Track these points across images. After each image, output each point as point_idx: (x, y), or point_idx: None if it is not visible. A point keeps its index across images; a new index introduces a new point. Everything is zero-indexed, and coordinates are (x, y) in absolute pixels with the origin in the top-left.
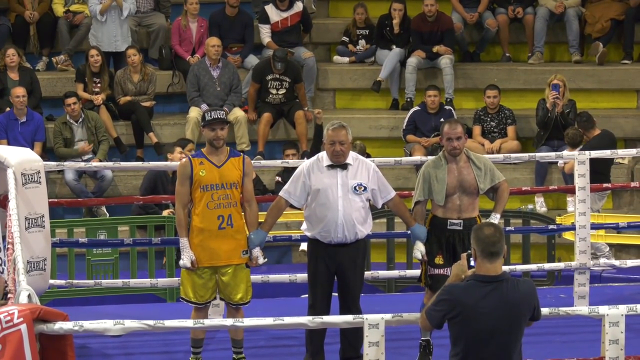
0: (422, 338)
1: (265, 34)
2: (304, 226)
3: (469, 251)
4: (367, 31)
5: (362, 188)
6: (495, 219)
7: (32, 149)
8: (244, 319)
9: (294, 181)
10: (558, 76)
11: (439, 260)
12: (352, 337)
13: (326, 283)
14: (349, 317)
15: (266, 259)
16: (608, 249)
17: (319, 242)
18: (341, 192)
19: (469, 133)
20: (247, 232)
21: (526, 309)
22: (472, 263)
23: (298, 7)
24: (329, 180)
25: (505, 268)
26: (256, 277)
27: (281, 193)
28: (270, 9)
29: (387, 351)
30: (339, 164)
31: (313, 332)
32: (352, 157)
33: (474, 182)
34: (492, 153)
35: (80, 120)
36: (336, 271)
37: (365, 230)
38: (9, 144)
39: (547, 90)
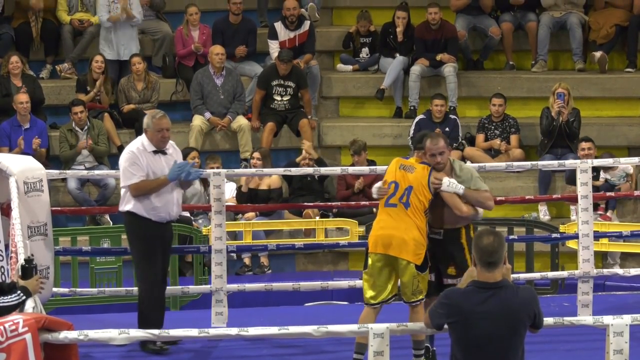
0: (425, 344)
1: (274, 49)
2: (130, 206)
3: None
4: (370, 39)
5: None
6: (456, 187)
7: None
8: (249, 328)
9: (135, 164)
10: (562, 84)
11: (451, 271)
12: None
13: (161, 257)
14: (353, 327)
15: None
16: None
17: (150, 221)
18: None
19: (472, 141)
20: None
21: (525, 315)
22: None
23: (305, 26)
24: (159, 165)
25: None
26: (259, 286)
27: (135, 180)
28: (279, 27)
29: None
30: (162, 149)
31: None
32: (169, 143)
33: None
34: (498, 149)
35: (86, 128)
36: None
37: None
38: (11, 150)
39: (552, 99)
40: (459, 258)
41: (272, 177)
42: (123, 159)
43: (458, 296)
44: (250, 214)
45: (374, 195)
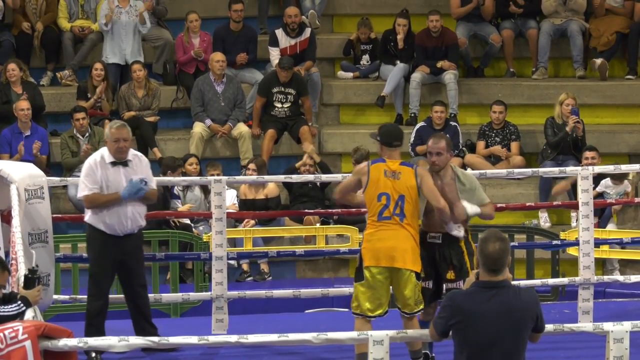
0: (423, 351)
1: (274, 56)
2: (87, 217)
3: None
4: (371, 46)
5: (144, 182)
6: (475, 209)
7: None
8: (248, 335)
9: (90, 176)
10: (569, 94)
11: (450, 275)
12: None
13: (112, 273)
14: (353, 334)
15: None
16: None
17: (105, 234)
18: None
19: (473, 148)
20: None
21: (528, 316)
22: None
23: (306, 33)
24: (115, 177)
25: None
26: (260, 293)
27: (87, 192)
28: (280, 34)
29: None
30: (121, 160)
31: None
32: (131, 153)
33: (455, 199)
34: (499, 156)
35: (87, 134)
36: (120, 260)
37: (144, 221)
38: (11, 157)
39: (558, 109)
40: (458, 261)
41: (269, 187)
42: (82, 170)
43: (460, 297)
44: (250, 223)
45: None
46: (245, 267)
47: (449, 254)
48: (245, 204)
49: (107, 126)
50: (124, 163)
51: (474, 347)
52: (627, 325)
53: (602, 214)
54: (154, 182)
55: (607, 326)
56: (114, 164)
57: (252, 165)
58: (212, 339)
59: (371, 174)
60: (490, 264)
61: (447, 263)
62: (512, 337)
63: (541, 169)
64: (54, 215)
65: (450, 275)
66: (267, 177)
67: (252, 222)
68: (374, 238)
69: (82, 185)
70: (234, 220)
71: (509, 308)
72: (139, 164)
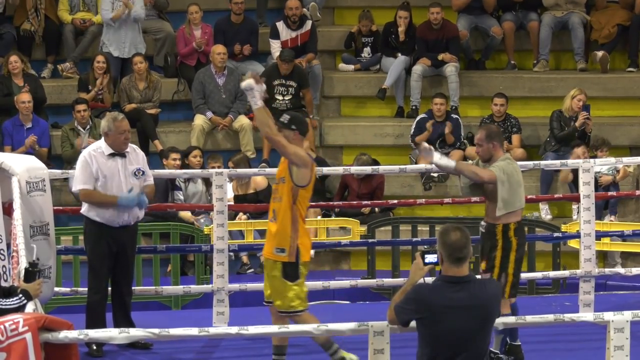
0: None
1: (275, 48)
2: (83, 209)
3: (425, 247)
4: (372, 39)
5: (141, 172)
6: (437, 156)
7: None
8: (248, 327)
9: (85, 169)
10: (581, 90)
11: (482, 265)
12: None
13: (109, 265)
14: (352, 325)
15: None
16: None
17: (103, 225)
18: (124, 178)
19: (474, 141)
20: (290, 230)
21: (494, 308)
22: (426, 260)
23: (307, 26)
24: (112, 168)
25: None
26: (261, 285)
27: (81, 186)
28: (281, 26)
29: (392, 359)
30: (122, 151)
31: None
32: (128, 145)
33: (487, 188)
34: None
35: (88, 127)
36: (116, 252)
37: (142, 213)
38: (13, 149)
39: (568, 102)
40: (490, 254)
41: (257, 180)
42: (77, 163)
43: (427, 291)
44: (243, 218)
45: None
46: (245, 259)
47: (487, 245)
48: (238, 200)
49: (107, 119)
50: (122, 155)
51: (440, 340)
52: (628, 315)
53: (605, 206)
54: (150, 176)
55: (608, 316)
56: (112, 155)
57: (230, 164)
58: (212, 330)
59: (312, 175)
60: (456, 252)
61: (483, 253)
62: (480, 329)
63: (542, 162)
64: (55, 208)
65: (482, 265)
66: (268, 170)
67: (244, 216)
68: (305, 234)
69: (77, 179)
70: (235, 212)
71: (476, 301)
72: (136, 157)
